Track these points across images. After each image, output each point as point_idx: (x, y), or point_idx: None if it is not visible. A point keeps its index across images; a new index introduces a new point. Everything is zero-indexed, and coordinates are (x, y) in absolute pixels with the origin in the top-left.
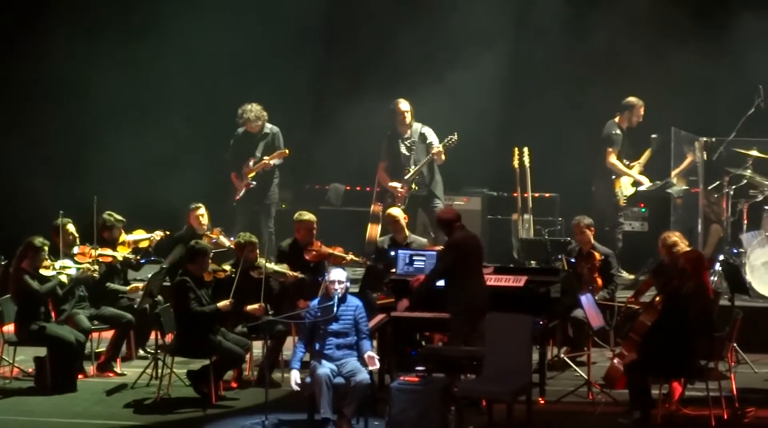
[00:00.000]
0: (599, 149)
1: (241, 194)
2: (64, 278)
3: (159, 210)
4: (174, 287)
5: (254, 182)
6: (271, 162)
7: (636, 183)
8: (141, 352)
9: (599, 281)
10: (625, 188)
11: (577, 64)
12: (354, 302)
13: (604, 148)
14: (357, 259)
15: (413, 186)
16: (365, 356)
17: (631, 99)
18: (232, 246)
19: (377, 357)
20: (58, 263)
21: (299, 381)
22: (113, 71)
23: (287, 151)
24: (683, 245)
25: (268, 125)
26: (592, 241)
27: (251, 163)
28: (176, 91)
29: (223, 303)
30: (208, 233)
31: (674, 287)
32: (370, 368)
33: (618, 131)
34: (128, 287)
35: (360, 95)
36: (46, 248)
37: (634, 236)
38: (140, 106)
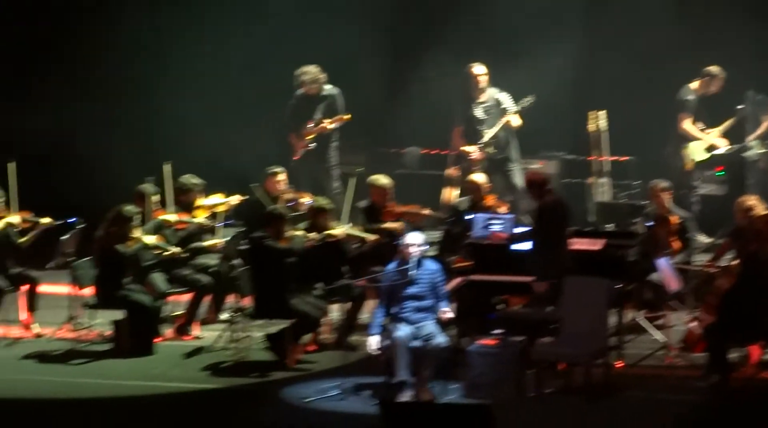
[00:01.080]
0: (672, 113)
1: (299, 154)
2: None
3: (227, 174)
4: (253, 244)
5: (313, 144)
6: (330, 126)
7: (711, 148)
8: (223, 316)
9: (676, 244)
10: (695, 152)
11: (654, 27)
12: (432, 266)
13: (677, 113)
14: (435, 214)
15: (489, 149)
16: (439, 312)
17: (713, 68)
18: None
19: (449, 311)
20: (143, 237)
21: (379, 346)
22: (183, 38)
23: (347, 116)
24: (760, 209)
25: (327, 87)
26: (669, 204)
27: (310, 125)
28: (247, 53)
29: (310, 235)
30: (283, 196)
31: (752, 250)
32: (444, 318)
33: (692, 97)
34: (207, 243)
35: (436, 58)
36: (135, 218)
37: (712, 199)
38: (211, 69)
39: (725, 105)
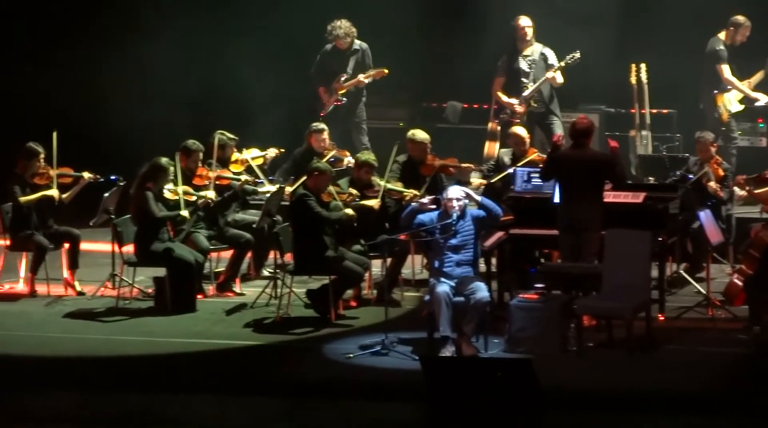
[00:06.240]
0: (704, 65)
1: (329, 109)
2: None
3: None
4: (294, 202)
5: (344, 99)
6: (366, 80)
7: (745, 99)
8: (265, 272)
9: (722, 194)
10: (729, 103)
11: None
12: (474, 213)
13: (712, 64)
14: (473, 167)
15: (531, 103)
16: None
17: (739, 17)
18: (350, 165)
19: None
20: (180, 189)
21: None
22: None
23: (386, 70)
24: None
25: (357, 42)
26: (716, 156)
27: (342, 79)
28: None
29: (348, 212)
30: (325, 152)
31: None
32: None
33: (723, 47)
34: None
35: (475, 12)
36: (172, 168)
37: (752, 151)
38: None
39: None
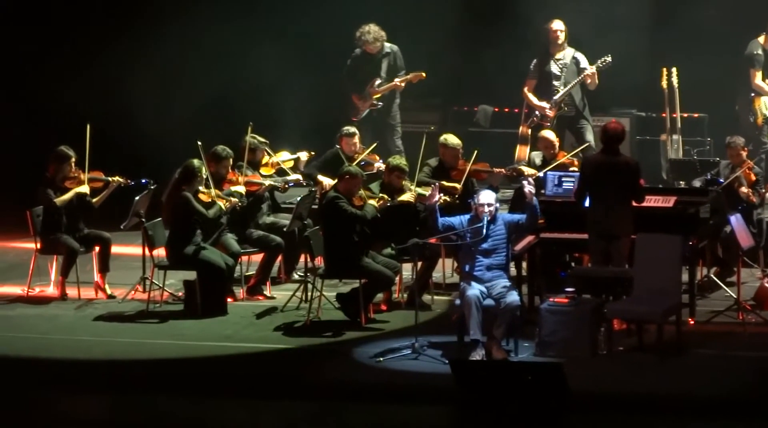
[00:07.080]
0: (742, 68)
1: (364, 114)
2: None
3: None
4: (325, 205)
5: (380, 104)
6: (402, 84)
7: None
8: (296, 276)
9: (754, 199)
10: (765, 107)
11: None
12: (502, 218)
13: (747, 68)
14: (505, 172)
15: (562, 106)
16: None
17: None
18: (381, 169)
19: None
20: (212, 192)
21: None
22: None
23: (424, 74)
24: None
25: (387, 44)
26: (748, 160)
27: (377, 83)
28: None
29: (377, 202)
30: (355, 156)
31: None
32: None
33: (761, 51)
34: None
35: (507, 16)
36: (204, 169)
37: None
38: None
39: None
